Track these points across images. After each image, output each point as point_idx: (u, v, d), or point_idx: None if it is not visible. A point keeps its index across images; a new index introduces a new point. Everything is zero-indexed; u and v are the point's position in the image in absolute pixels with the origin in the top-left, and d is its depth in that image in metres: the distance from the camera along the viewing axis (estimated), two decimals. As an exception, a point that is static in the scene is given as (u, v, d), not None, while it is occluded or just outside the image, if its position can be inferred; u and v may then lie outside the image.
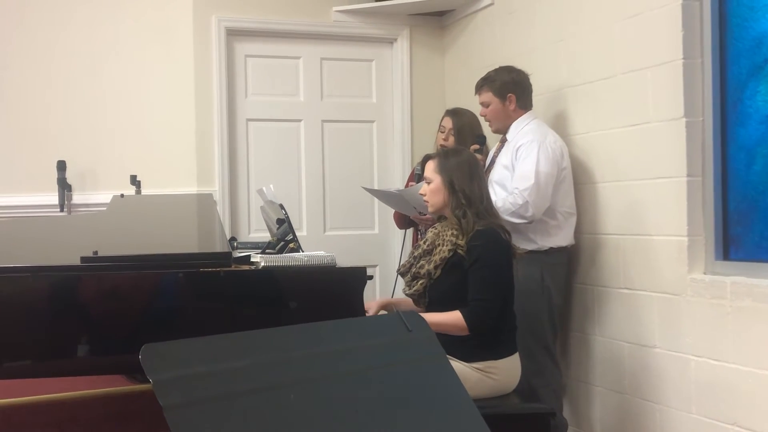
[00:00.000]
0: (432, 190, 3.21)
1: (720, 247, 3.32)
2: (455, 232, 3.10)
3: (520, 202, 3.65)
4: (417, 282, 3.17)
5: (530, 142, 3.77)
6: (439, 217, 3.29)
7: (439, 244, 3.13)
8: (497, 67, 4.02)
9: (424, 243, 3.21)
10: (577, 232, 3.94)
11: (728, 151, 3.31)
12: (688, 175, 3.33)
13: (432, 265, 3.11)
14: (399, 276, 3.41)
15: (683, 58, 3.32)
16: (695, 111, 3.34)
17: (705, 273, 3.32)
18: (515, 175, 3.76)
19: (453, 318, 3.01)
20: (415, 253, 3.25)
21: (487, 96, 3.95)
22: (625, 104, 3.65)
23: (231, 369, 1.51)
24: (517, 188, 3.69)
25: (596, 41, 3.84)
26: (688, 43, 3.33)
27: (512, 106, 3.92)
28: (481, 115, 4.06)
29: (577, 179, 3.93)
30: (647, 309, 3.55)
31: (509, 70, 3.97)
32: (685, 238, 3.33)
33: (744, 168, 3.26)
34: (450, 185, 3.15)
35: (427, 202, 3.25)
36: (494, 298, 3.03)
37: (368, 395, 1.65)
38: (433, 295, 3.16)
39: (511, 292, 3.14)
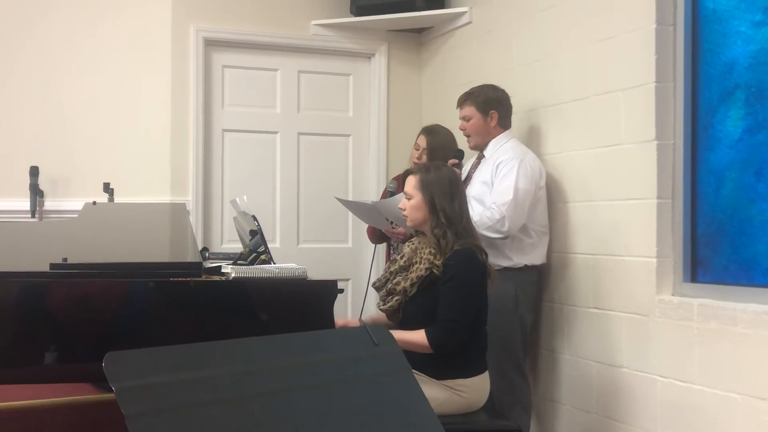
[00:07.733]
0: (412, 206, 3.18)
1: (688, 270, 3.36)
2: (433, 251, 3.09)
3: (497, 216, 3.67)
4: (392, 298, 3.16)
5: (511, 159, 3.79)
6: (417, 231, 3.28)
7: (416, 262, 3.12)
8: (478, 84, 4.06)
9: (401, 258, 3.19)
10: (548, 250, 3.96)
11: (698, 175, 3.36)
12: (659, 197, 3.37)
13: (408, 283, 3.11)
14: (374, 290, 3.40)
15: (656, 82, 3.37)
16: (666, 134, 3.38)
17: (673, 294, 3.35)
18: (494, 190, 3.78)
19: (417, 337, 3.00)
20: (392, 268, 3.22)
21: (470, 110, 3.98)
22: (597, 125, 3.69)
23: (195, 379, 1.51)
24: (495, 203, 3.71)
25: (571, 62, 3.88)
26: (660, 67, 3.37)
27: (493, 123, 3.95)
28: (461, 129, 4.06)
29: (549, 198, 3.95)
30: (616, 329, 3.57)
31: (494, 88, 4.01)
32: (654, 260, 3.37)
33: (713, 191, 3.30)
34: (431, 204, 3.12)
35: (407, 217, 3.22)
36: (462, 320, 3.02)
37: (332, 408, 1.65)
38: (408, 313, 3.15)
39: (484, 312, 3.13)
